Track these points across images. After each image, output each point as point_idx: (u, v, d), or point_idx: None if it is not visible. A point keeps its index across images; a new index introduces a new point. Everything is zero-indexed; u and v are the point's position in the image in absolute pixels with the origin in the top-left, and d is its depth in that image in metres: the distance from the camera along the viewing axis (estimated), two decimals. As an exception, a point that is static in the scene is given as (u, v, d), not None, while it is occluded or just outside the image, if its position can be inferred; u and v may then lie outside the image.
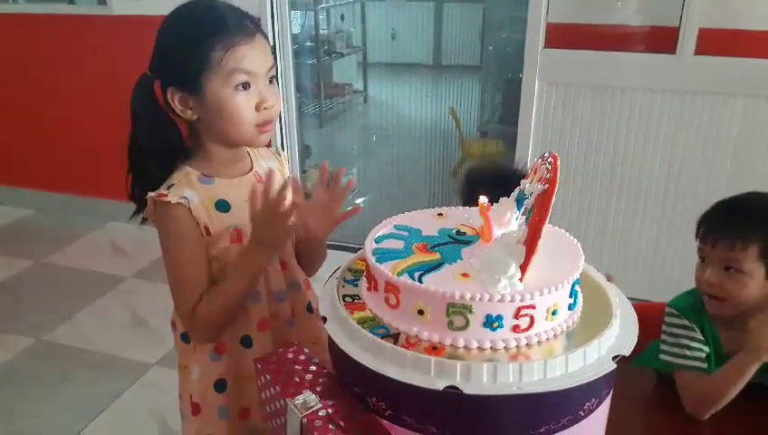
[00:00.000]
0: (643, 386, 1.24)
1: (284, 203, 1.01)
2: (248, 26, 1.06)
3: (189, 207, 1.07)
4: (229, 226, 1.11)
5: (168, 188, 1.08)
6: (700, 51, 2.37)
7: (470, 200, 0.92)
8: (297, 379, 0.83)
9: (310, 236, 1.19)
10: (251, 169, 1.18)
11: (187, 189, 1.08)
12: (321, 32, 5.09)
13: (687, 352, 1.24)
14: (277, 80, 1.14)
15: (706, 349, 1.25)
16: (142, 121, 1.11)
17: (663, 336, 1.29)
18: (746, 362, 1.15)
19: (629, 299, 0.87)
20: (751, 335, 1.16)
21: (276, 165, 1.25)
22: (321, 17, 5.14)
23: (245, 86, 1.06)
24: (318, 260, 1.29)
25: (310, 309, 1.26)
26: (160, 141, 1.10)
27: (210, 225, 1.09)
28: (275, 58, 1.15)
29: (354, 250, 0.98)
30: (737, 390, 1.15)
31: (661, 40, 2.47)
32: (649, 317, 1.27)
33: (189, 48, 1.04)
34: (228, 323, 1.13)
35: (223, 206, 1.11)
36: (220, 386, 1.19)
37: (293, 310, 1.23)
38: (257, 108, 1.07)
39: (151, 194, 1.07)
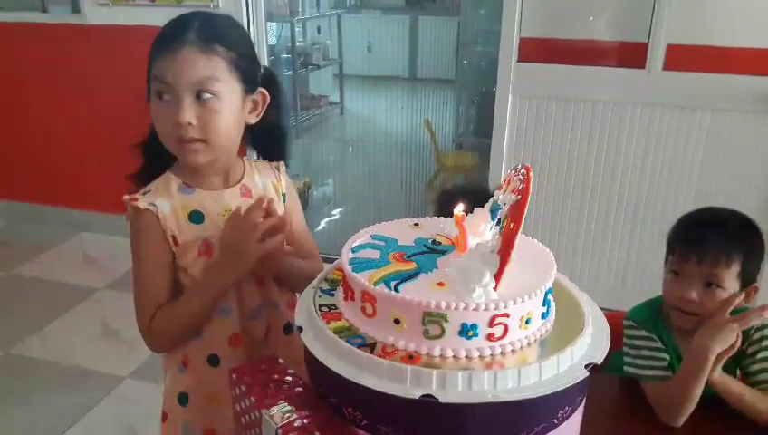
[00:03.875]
0: (611, 394, 1.24)
1: (256, 221, 1.02)
2: (185, 35, 1.00)
3: (157, 215, 1.06)
4: (198, 237, 1.09)
5: (144, 194, 1.08)
6: (668, 66, 2.44)
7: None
8: (272, 389, 0.83)
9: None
10: (239, 181, 1.15)
11: (162, 198, 1.08)
12: (297, 44, 5.10)
13: (653, 362, 1.23)
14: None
15: (668, 357, 1.24)
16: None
17: (625, 349, 1.27)
18: (694, 366, 1.12)
19: (602, 309, 0.88)
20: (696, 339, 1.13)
21: (273, 180, 1.22)
22: (297, 29, 5.14)
23: (159, 95, 1.02)
24: (298, 282, 1.14)
25: (287, 330, 1.21)
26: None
27: (179, 235, 1.08)
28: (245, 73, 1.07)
29: (331, 260, 0.98)
30: (698, 390, 1.12)
31: (631, 55, 2.51)
32: (620, 327, 1.30)
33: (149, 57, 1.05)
34: (187, 336, 1.13)
35: (196, 217, 1.10)
36: (183, 399, 1.18)
37: (269, 329, 1.19)
38: (172, 123, 1.02)
39: (126, 197, 1.08)
